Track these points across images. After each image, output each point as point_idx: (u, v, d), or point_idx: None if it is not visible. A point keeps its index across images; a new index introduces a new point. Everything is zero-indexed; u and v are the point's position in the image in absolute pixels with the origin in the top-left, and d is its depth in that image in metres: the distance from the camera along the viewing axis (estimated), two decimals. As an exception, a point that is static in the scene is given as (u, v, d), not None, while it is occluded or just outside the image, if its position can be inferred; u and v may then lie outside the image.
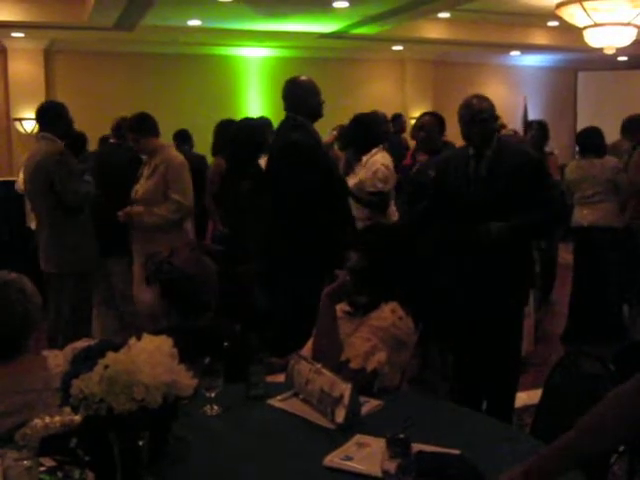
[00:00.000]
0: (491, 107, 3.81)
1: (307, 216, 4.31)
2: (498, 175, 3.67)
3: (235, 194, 5.16)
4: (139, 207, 4.93)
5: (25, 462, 1.69)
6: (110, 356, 1.61)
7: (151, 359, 1.58)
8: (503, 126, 6.93)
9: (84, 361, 1.84)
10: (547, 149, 7.00)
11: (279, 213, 4.48)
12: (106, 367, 1.56)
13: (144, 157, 5.20)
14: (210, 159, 6.49)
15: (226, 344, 2.50)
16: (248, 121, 5.61)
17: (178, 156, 5.08)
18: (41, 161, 4.75)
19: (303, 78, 4.65)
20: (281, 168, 4.48)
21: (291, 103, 4.55)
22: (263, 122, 5.76)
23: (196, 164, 6.12)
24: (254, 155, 5.22)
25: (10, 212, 7.69)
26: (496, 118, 3.92)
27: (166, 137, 5.91)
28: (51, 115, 4.91)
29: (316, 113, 4.55)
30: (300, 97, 4.52)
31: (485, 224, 3.54)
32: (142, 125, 4.98)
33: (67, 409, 1.90)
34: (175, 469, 1.93)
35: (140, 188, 4.98)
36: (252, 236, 4.80)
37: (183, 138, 7.86)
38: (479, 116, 3.71)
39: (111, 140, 5.90)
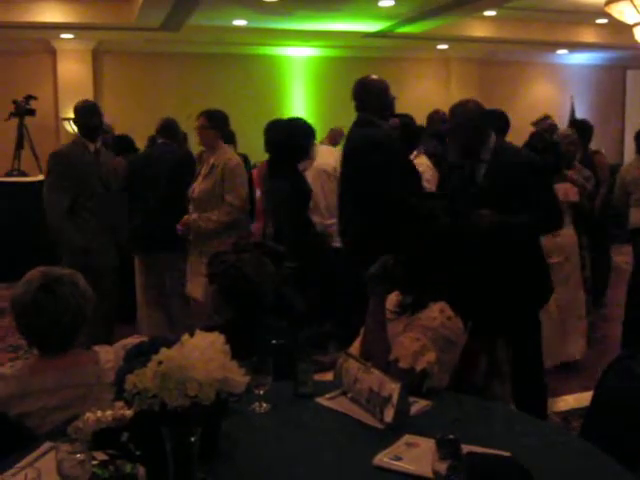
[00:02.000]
0: (468, 113, 3.77)
1: (391, 213, 4.25)
2: (494, 179, 3.67)
3: (272, 194, 5.20)
4: (194, 215, 4.99)
5: (78, 455, 1.71)
6: (164, 352, 1.62)
7: (204, 355, 1.59)
8: (552, 126, 6.84)
9: (137, 357, 1.86)
10: (592, 147, 6.89)
11: (361, 212, 4.45)
12: (160, 363, 1.58)
13: (195, 155, 5.26)
14: (256, 158, 6.53)
15: (275, 342, 2.51)
16: (283, 122, 5.62)
17: (235, 157, 5.15)
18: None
19: (373, 77, 4.65)
20: (359, 167, 4.46)
21: (362, 103, 4.53)
22: (300, 124, 5.74)
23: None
24: (289, 156, 5.24)
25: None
26: (488, 123, 3.86)
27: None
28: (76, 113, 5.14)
29: (388, 111, 4.54)
30: (372, 96, 4.51)
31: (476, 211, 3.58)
32: (217, 116, 5.04)
33: (118, 403, 1.92)
34: (224, 466, 1.94)
35: (197, 187, 5.05)
36: (287, 236, 4.83)
37: (228, 139, 7.90)
38: (451, 123, 3.76)
39: (160, 140, 5.96)
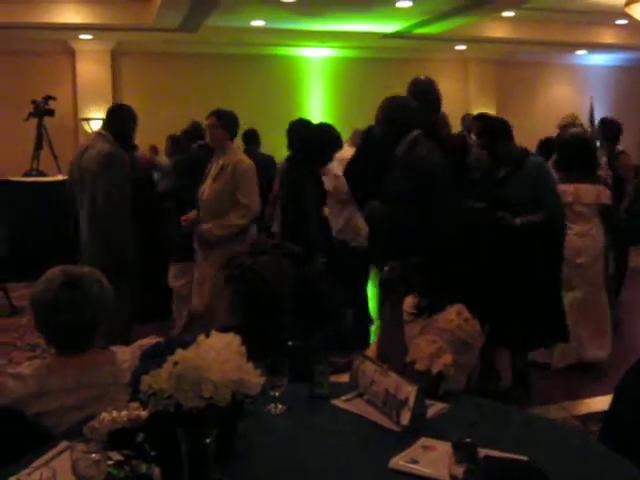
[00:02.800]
0: (388, 107, 3.95)
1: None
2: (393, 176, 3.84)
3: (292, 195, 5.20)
4: (206, 225, 4.92)
5: (94, 455, 1.71)
6: (179, 353, 1.62)
7: (220, 356, 1.58)
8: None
9: (153, 358, 1.86)
10: (619, 147, 6.83)
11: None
12: (175, 364, 1.57)
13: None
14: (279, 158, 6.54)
15: (291, 343, 2.50)
16: (317, 125, 5.63)
17: (246, 158, 5.09)
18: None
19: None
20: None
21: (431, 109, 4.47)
22: (334, 132, 5.72)
23: (261, 164, 6.17)
24: (316, 159, 5.23)
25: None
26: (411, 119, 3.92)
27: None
28: (109, 115, 5.03)
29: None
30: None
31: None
32: (226, 116, 5.03)
33: (134, 404, 1.92)
34: (240, 467, 1.93)
35: (207, 189, 5.00)
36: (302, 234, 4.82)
37: (251, 139, 7.92)
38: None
39: (201, 142, 5.96)
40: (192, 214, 5.04)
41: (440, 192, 3.85)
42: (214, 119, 4.98)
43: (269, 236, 5.64)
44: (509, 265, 4.38)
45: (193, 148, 6.43)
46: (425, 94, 4.38)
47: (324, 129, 5.53)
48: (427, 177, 3.84)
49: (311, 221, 4.89)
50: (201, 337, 1.66)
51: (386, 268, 2.64)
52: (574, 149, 5.39)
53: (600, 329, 5.37)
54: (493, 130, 4.88)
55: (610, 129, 6.80)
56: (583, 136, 5.58)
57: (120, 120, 4.95)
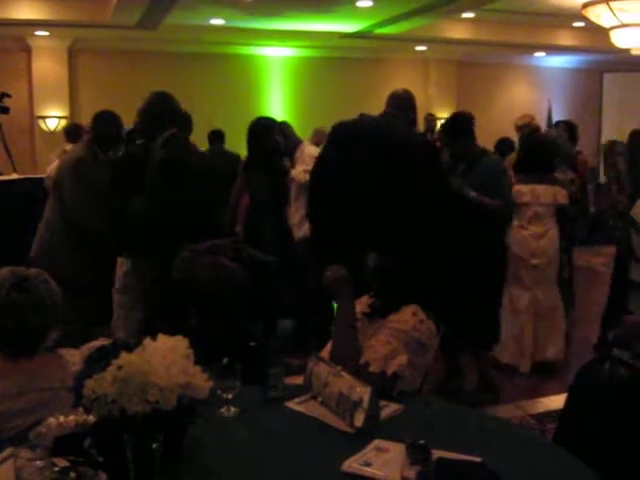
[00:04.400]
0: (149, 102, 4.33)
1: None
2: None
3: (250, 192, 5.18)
4: None
5: (38, 462, 1.67)
6: (124, 356, 1.58)
7: (165, 360, 1.55)
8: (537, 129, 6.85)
9: (98, 361, 1.82)
10: (577, 148, 6.93)
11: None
12: (120, 367, 1.53)
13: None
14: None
15: (252, 344, 2.47)
16: (259, 121, 5.60)
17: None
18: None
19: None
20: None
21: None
22: (271, 123, 5.73)
23: (227, 163, 6.13)
24: (262, 155, 5.22)
25: (37, 209, 7.70)
26: None
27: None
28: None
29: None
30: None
31: None
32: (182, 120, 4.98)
33: (82, 409, 1.87)
34: (190, 471, 1.90)
35: None
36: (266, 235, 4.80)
37: (217, 137, 7.87)
38: None
39: (139, 142, 5.89)
40: None
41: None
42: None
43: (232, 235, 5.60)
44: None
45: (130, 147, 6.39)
46: (407, 110, 4.48)
47: (264, 121, 5.54)
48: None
49: (264, 221, 4.87)
50: (147, 340, 1.63)
51: (328, 272, 2.61)
52: (533, 150, 5.46)
53: (555, 329, 5.43)
54: (454, 127, 4.92)
55: (570, 131, 6.89)
56: (544, 138, 5.64)
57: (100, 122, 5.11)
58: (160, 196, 3.92)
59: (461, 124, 4.87)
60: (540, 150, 5.45)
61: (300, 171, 5.59)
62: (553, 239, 5.36)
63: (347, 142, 3.76)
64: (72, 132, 7.63)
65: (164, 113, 4.24)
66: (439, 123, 9.92)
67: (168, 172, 3.94)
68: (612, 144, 8.20)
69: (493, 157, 5.08)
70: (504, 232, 5.08)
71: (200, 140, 7.31)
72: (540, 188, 5.29)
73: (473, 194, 4.58)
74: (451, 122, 5.04)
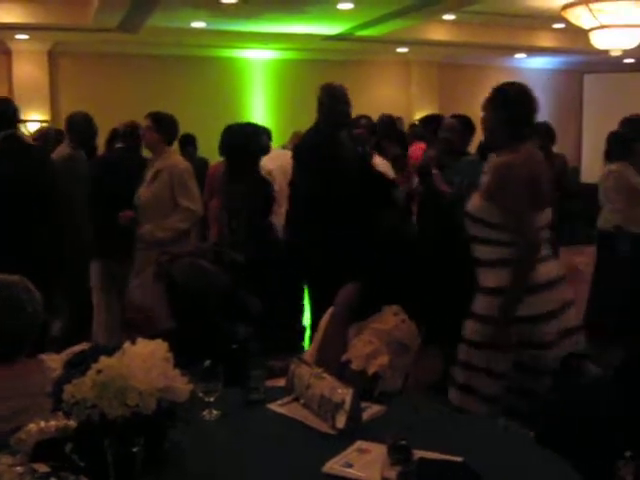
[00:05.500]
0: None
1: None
2: None
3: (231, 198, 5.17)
4: (148, 226, 4.84)
5: (18, 468, 1.66)
6: (103, 361, 1.58)
7: (145, 364, 1.54)
8: None
9: (77, 366, 1.81)
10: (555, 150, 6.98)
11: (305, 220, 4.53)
12: (99, 372, 1.53)
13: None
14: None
15: (234, 346, 2.47)
16: (239, 126, 5.59)
17: (182, 161, 5.03)
18: None
19: (336, 85, 4.71)
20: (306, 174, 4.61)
21: (319, 109, 4.62)
22: (254, 128, 5.74)
23: (197, 168, 6.11)
24: (245, 160, 5.21)
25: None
26: None
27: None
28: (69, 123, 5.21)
29: (340, 122, 4.58)
30: (326, 104, 4.58)
31: None
32: (163, 119, 4.96)
33: (62, 413, 1.87)
34: (172, 475, 1.89)
35: (143, 193, 4.91)
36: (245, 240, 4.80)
37: (187, 141, 7.86)
38: None
39: (119, 145, 5.88)
40: (130, 212, 4.94)
41: None
42: (149, 122, 4.91)
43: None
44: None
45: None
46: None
47: (246, 126, 5.54)
48: None
49: (242, 226, 4.86)
50: (126, 344, 1.62)
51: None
52: None
53: None
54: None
55: (547, 133, 6.93)
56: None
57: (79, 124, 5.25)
58: None
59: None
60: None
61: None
62: None
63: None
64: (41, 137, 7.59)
65: None
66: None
67: None
68: None
69: (469, 157, 5.15)
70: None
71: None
72: None
73: (445, 188, 4.64)
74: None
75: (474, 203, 3.12)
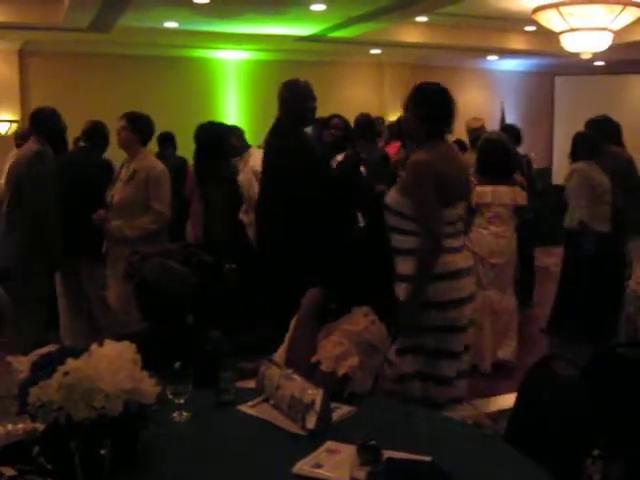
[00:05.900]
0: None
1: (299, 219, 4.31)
2: None
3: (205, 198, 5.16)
4: (117, 222, 4.81)
5: (-17, 472, 1.64)
6: (70, 363, 1.56)
7: (112, 366, 1.53)
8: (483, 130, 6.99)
9: (44, 368, 1.79)
10: (521, 152, 7.08)
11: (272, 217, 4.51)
12: (65, 374, 1.52)
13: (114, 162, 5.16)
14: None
15: (208, 347, 2.46)
16: (210, 125, 5.57)
17: (159, 164, 4.99)
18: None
19: (299, 81, 4.67)
20: (270, 173, 4.55)
21: (281, 106, 4.58)
22: (225, 127, 5.73)
23: (176, 167, 6.09)
24: (216, 160, 5.20)
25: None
26: None
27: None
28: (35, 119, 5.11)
29: (304, 118, 4.57)
30: (288, 101, 4.55)
31: None
32: (138, 119, 4.93)
33: (28, 416, 1.85)
34: (142, 476, 1.89)
35: (117, 193, 4.88)
36: (222, 238, 4.79)
37: (167, 141, 7.82)
38: None
39: (81, 143, 5.83)
40: (102, 212, 4.91)
41: None
42: (124, 122, 4.88)
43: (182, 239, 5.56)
44: None
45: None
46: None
47: (215, 125, 5.53)
48: None
49: (217, 226, 4.86)
50: (94, 346, 1.61)
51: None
52: (494, 152, 5.52)
53: (508, 329, 5.50)
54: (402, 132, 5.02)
55: (513, 134, 7.03)
56: (502, 139, 5.72)
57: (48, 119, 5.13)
58: None
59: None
60: (501, 152, 5.52)
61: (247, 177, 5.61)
62: (511, 239, 5.45)
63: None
64: (23, 137, 7.53)
65: None
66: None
67: None
68: None
69: None
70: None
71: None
72: (501, 189, 5.38)
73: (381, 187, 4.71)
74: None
75: (392, 196, 3.37)
